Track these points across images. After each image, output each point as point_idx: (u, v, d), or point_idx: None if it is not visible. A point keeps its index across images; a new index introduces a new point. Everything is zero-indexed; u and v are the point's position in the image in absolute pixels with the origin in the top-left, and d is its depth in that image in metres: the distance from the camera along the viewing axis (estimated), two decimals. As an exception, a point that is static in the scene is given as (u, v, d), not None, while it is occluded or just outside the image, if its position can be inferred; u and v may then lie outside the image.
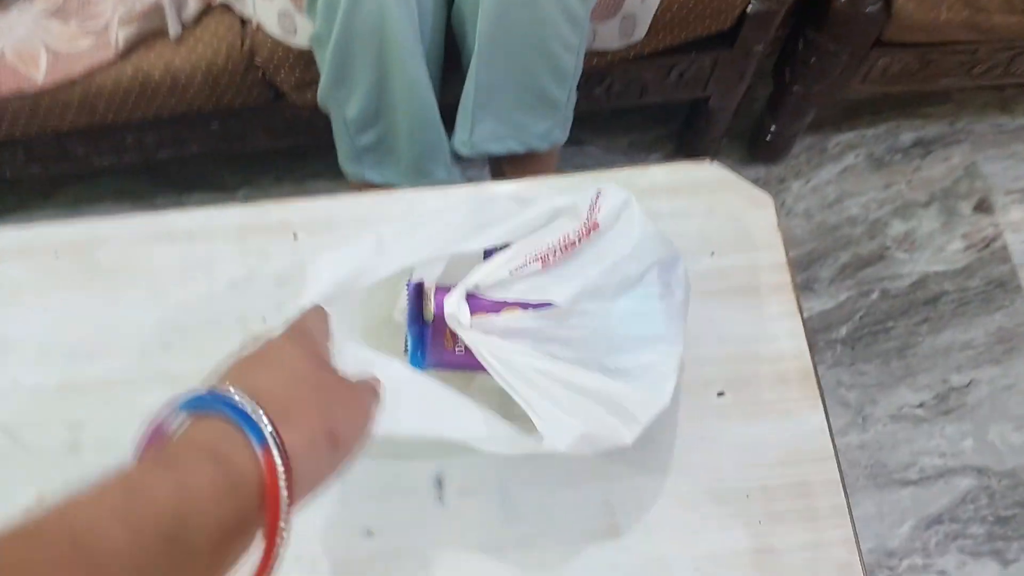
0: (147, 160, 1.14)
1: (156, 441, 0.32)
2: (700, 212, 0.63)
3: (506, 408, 0.50)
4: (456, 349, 0.49)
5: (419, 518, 0.52)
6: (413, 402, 0.46)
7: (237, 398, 0.31)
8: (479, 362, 0.47)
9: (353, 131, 0.90)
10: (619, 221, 0.51)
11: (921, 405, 1.21)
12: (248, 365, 0.35)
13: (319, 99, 0.91)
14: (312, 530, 0.52)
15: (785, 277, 0.61)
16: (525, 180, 0.66)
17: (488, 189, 0.67)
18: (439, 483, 0.53)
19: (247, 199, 1.32)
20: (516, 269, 0.48)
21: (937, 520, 1.14)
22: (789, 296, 0.60)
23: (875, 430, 1.20)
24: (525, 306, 0.47)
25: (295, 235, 0.61)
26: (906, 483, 1.16)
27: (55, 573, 0.23)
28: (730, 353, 0.58)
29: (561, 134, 0.96)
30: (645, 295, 0.51)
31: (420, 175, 0.93)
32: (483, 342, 0.47)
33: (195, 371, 0.36)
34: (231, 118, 1.06)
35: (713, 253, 0.61)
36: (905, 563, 1.12)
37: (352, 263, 0.48)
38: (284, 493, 0.30)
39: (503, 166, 1.03)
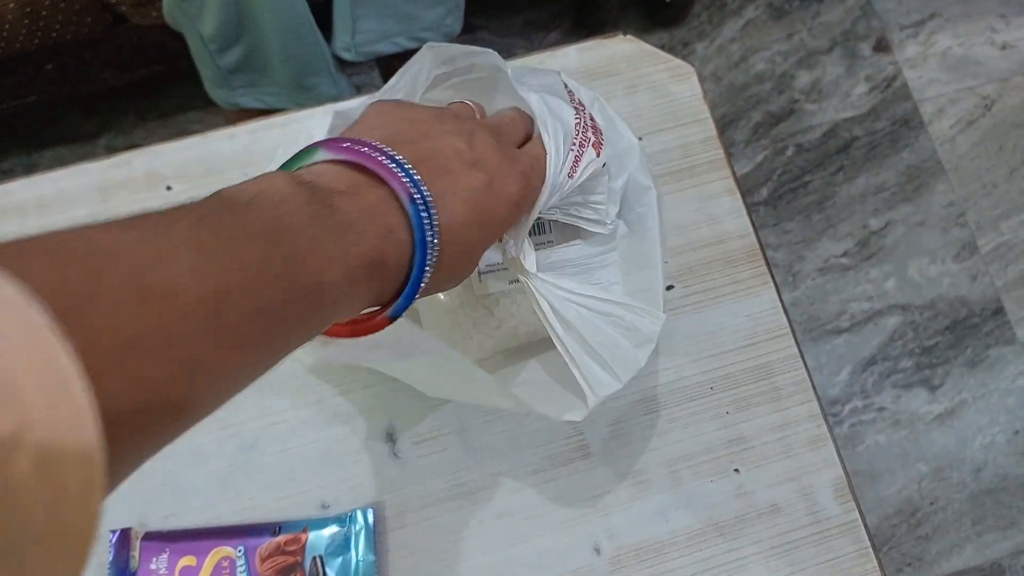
0: (-21, 118, 0.98)
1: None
2: (620, 92, 0.57)
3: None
4: None
5: (375, 479, 0.48)
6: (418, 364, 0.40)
7: (398, 158, 0.29)
8: None
9: (214, 50, 0.78)
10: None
11: (845, 254, 1.24)
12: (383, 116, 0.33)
13: (166, 15, 0.78)
14: (264, 513, 0.47)
15: (718, 152, 0.57)
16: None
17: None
18: (391, 437, 0.48)
19: (110, 148, 1.17)
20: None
21: (871, 362, 1.19)
22: (725, 172, 0.56)
23: (805, 286, 1.22)
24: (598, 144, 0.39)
25: (168, 187, 0.52)
26: (839, 331, 1.20)
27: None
28: (674, 243, 0.54)
29: (455, 22, 0.86)
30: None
31: (301, 92, 0.82)
32: (544, 288, 0.38)
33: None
34: (66, 55, 0.90)
35: (641, 138, 0.56)
36: (847, 408, 1.17)
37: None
38: (424, 284, 0.29)
39: (395, 68, 0.93)
